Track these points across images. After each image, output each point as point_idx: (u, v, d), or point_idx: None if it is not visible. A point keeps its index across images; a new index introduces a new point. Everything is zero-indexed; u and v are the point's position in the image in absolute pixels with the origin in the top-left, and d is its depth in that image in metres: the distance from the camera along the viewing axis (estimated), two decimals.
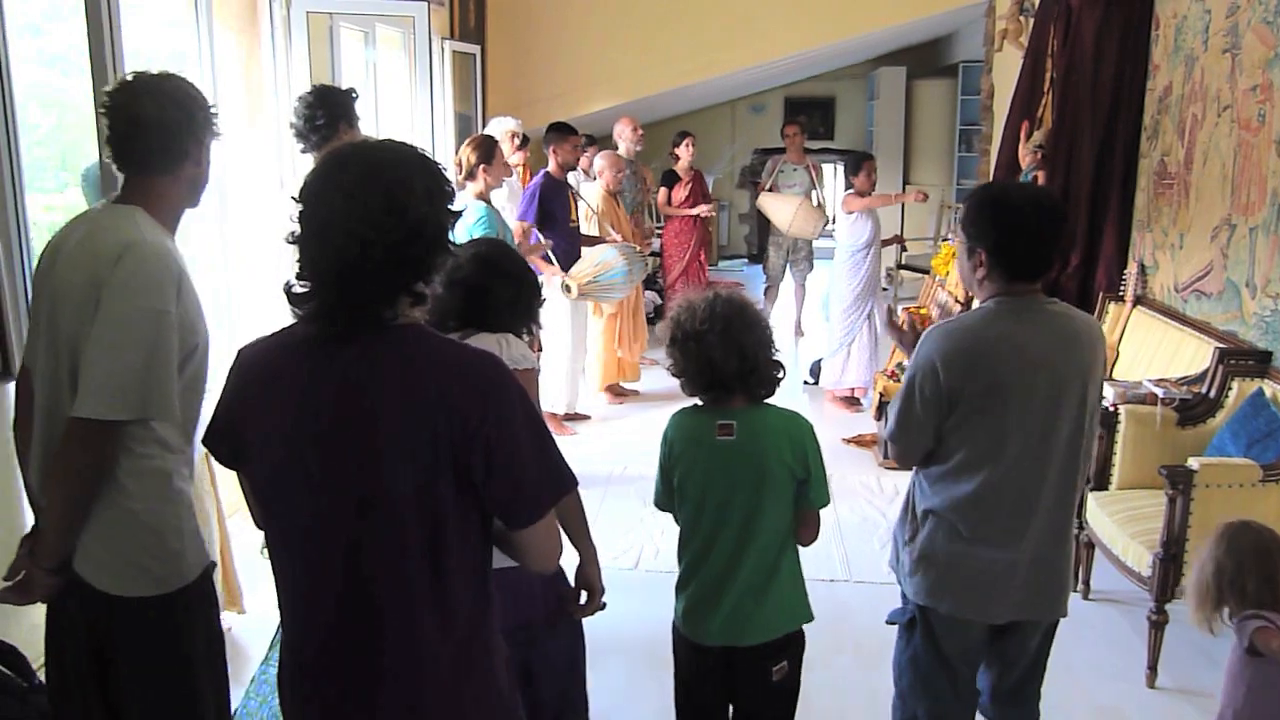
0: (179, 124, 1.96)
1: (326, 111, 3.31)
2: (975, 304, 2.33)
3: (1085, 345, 2.24)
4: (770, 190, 7.76)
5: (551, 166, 5.76)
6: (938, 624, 2.34)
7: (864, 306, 6.21)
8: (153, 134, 1.95)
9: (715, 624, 2.25)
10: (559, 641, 2.40)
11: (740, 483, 2.21)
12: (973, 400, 2.19)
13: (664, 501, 2.36)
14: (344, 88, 3.45)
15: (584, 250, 5.83)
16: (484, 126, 6.58)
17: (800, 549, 2.33)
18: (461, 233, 4.55)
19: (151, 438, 1.94)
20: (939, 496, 2.29)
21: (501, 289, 2.31)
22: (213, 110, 2.04)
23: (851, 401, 6.34)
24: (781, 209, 7.59)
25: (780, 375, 2.27)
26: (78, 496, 1.89)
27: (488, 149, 4.64)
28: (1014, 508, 2.23)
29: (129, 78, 1.98)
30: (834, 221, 6.68)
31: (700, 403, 2.29)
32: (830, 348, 6.39)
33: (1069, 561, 2.36)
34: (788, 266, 7.98)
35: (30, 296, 2.08)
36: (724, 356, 2.18)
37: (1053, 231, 2.22)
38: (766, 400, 2.27)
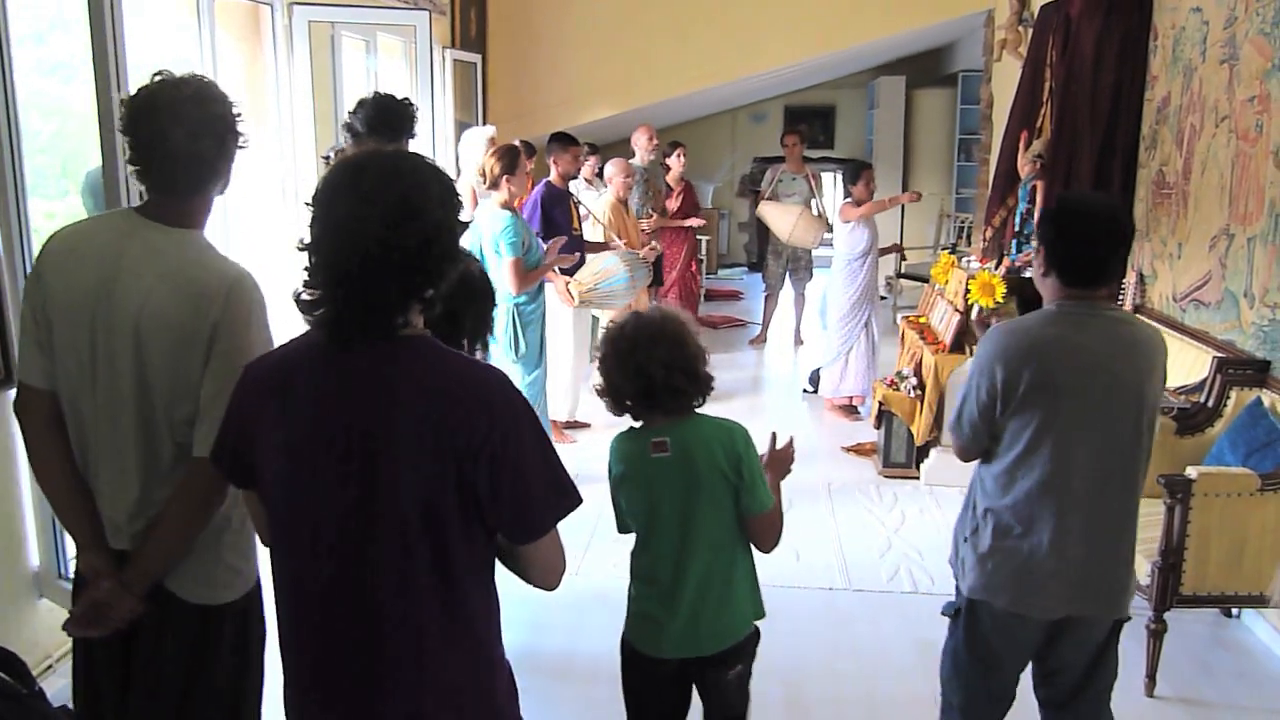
0: (212, 153, 1.91)
1: (386, 123, 3.38)
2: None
3: (1144, 352, 2.29)
4: (770, 199, 7.78)
5: (553, 176, 5.77)
6: (987, 619, 2.37)
7: (861, 315, 6.24)
8: (188, 167, 1.90)
9: (671, 636, 2.27)
10: None
11: (680, 496, 2.23)
12: (1028, 398, 2.24)
13: (621, 525, 2.39)
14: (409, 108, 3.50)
15: (586, 258, 5.85)
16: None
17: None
18: (489, 241, 4.56)
19: None
20: (995, 493, 2.34)
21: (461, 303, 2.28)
22: (238, 115, 1.97)
23: (850, 410, 6.35)
24: (781, 218, 7.61)
25: (701, 386, 2.25)
26: (200, 529, 1.92)
27: (511, 159, 4.64)
28: (1070, 505, 2.27)
29: (149, 95, 1.88)
30: (832, 230, 6.71)
31: (636, 425, 2.32)
32: (828, 356, 6.42)
33: (1128, 561, 2.38)
34: (787, 275, 7.99)
35: (44, 312, 1.93)
36: (622, 379, 2.23)
37: (1110, 243, 2.28)
38: (699, 410, 2.28)
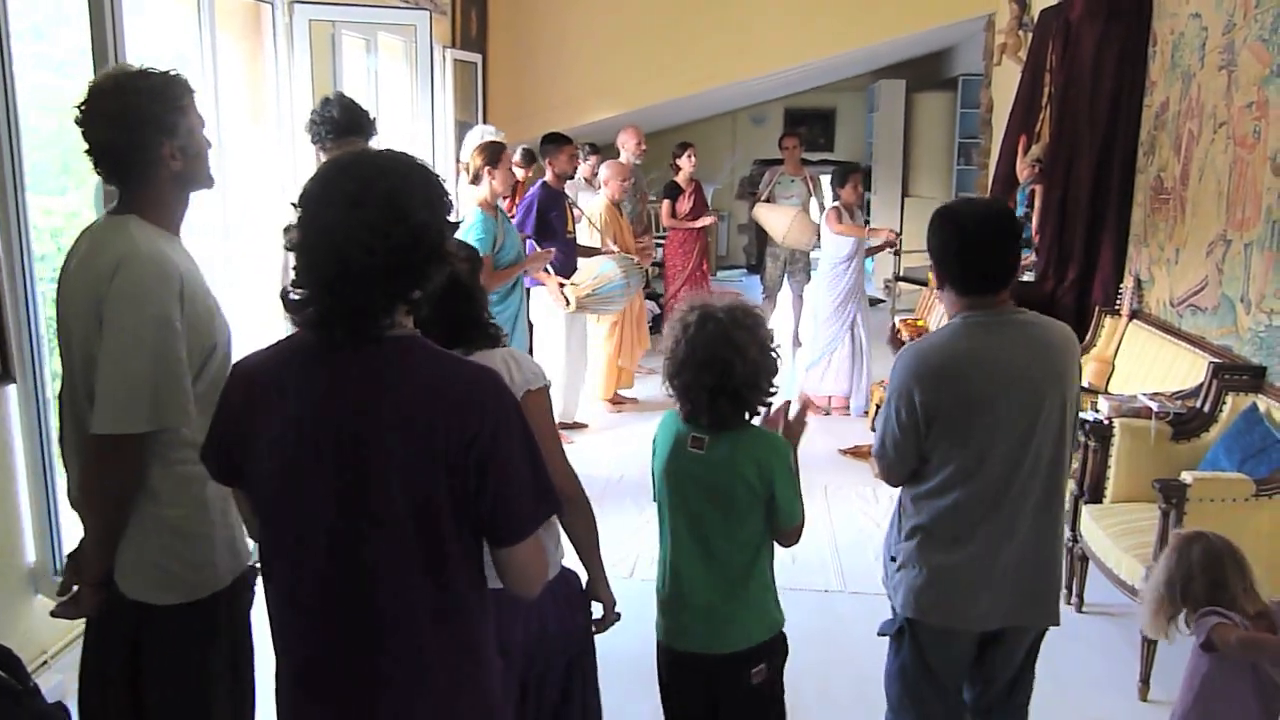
0: (130, 143, 1.93)
1: (346, 117, 3.40)
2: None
3: (1059, 352, 2.25)
4: (767, 201, 7.78)
5: (549, 177, 5.78)
6: (924, 636, 2.35)
7: (846, 318, 6.30)
8: (111, 158, 1.95)
9: (689, 630, 2.27)
10: (567, 653, 2.39)
11: (707, 497, 2.21)
12: (949, 416, 2.21)
13: (656, 494, 2.38)
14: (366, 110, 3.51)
15: (581, 261, 5.85)
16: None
17: (795, 557, 2.34)
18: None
19: (182, 442, 1.93)
20: (923, 511, 2.31)
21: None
22: (173, 96, 1.96)
23: (821, 410, 6.35)
24: (777, 220, 7.62)
25: (755, 405, 2.22)
26: (111, 511, 1.91)
27: (494, 153, 4.65)
28: (996, 517, 2.25)
29: (85, 94, 1.94)
30: (804, 230, 6.78)
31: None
32: (812, 357, 6.47)
33: (1057, 568, 2.37)
34: (785, 277, 8.00)
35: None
36: (674, 377, 2.20)
37: (1000, 244, 2.23)
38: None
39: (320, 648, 1.53)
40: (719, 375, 2.13)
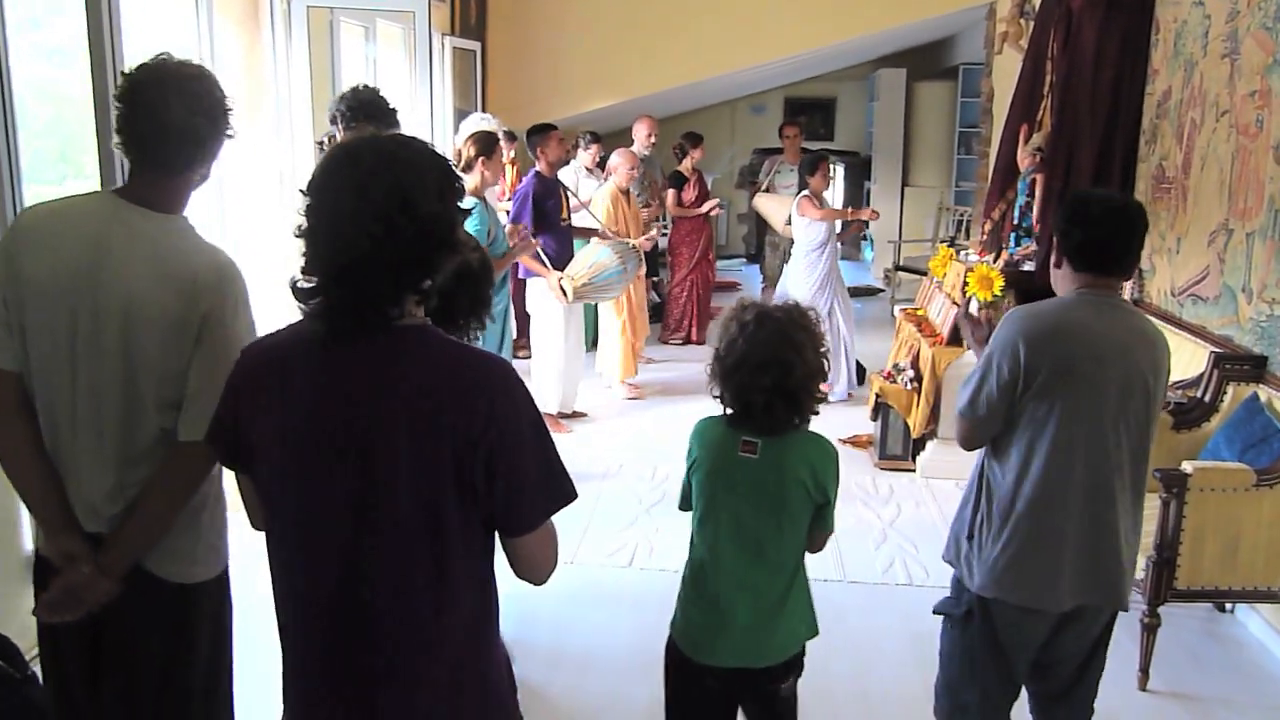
0: (206, 132, 1.91)
1: (367, 98, 3.43)
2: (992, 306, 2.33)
3: (1153, 345, 2.32)
4: (767, 191, 7.77)
5: (541, 166, 5.77)
6: (1001, 615, 2.35)
7: (822, 306, 6.32)
8: (182, 141, 1.89)
9: (726, 645, 2.19)
10: None
11: (757, 503, 2.14)
12: (1049, 381, 2.23)
13: (684, 505, 2.31)
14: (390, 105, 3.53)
15: (577, 251, 5.85)
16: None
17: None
18: None
19: None
20: (1010, 488, 2.32)
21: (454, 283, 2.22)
22: (230, 109, 1.98)
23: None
24: (778, 210, 7.61)
25: (806, 410, 2.16)
26: (179, 512, 1.94)
27: (488, 143, 4.64)
28: (1082, 497, 2.27)
29: (153, 68, 1.89)
30: (789, 222, 6.82)
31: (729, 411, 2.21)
32: None
33: (1134, 553, 2.38)
34: (785, 266, 7.98)
35: (15, 294, 1.90)
36: (724, 385, 2.14)
37: (1126, 237, 2.30)
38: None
39: (325, 636, 1.52)
40: (778, 376, 2.07)
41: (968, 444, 2.43)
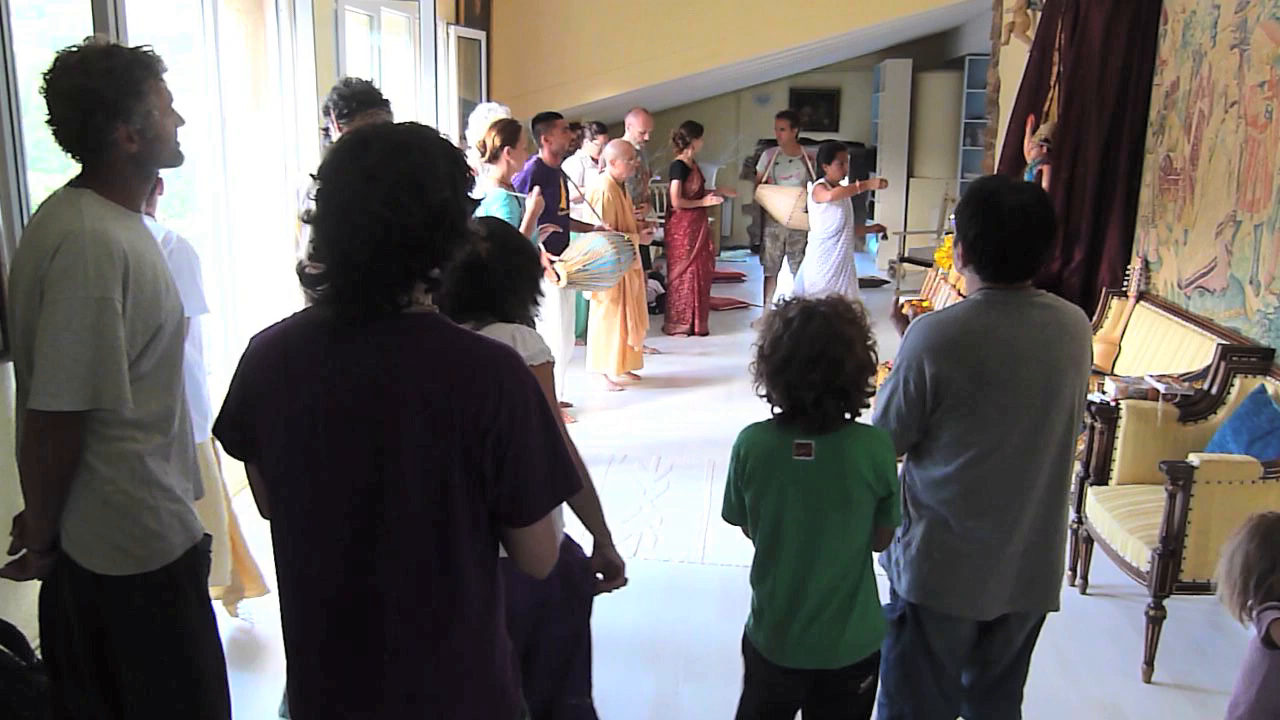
0: (81, 121, 1.91)
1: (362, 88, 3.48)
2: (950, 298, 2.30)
3: (1073, 338, 2.22)
4: (767, 183, 7.73)
5: (544, 154, 5.77)
6: (928, 621, 2.31)
7: (836, 291, 6.27)
8: (62, 132, 1.94)
9: (802, 647, 2.16)
10: (569, 622, 2.40)
11: (821, 504, 2.10)
12: (960, 391, 2.16)
13: (734, 517, 2.26)
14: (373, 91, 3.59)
15: (573, 238, 5.87)
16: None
17: None
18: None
19: (120, 420, 1.94)
20: (932, 495, 2.26)
21: (499, 265, 2.19)
22: (132, 80, 1.93)
23: None
24: (781, 201, 7.56)
25: (858, 403, 2.11)
26: (47, 483, 1.92)
27: (512, 132, 4.62)
28: (1004, 500, 2.21)
29: (50, 64, 1.94)
30: (804, 210, 6.82)
31: (772, 416, 2.17)
32: None
33: (1061, 554, 2.34)
34: (785, 258, 7.93)
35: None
36: (772, 386, 2.09)
37: (1037, 238, 2.16)
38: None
39: (329, 626, 1.52)
40: (828, 373, 2.03)
41: None
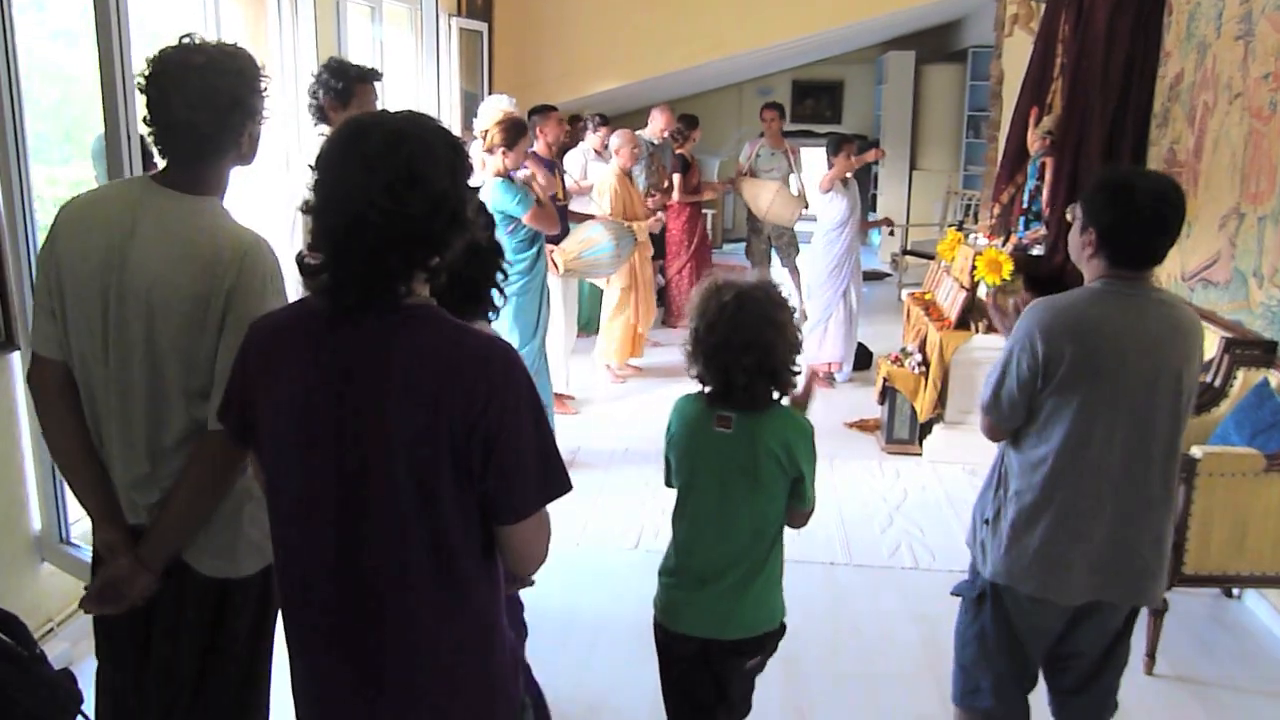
0: (210, 126, 1.86)
1: (341, 77, 3.38)
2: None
3: (1185, 335, 2.23)
4: (748, 175, 7.67)
5: (539, 146, 5.78)
6: (1013, 603, 2.33)
7: (839, 283, 6.31)
8: (186, 136, 1.86)
9: (695, 615, 2.26)
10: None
11: (732, 477, 2.20)
12: (1067, 376, 2.18)
13: (669, 479, 2.36)
14: (363, 65, 3.46)
15: (572, 227, 5.88)
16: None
17: (796, 531, 2.33)
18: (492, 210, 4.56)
19: None
20: (1024, 474, 2.29)
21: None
22: (260, 87, 1.93)
23: (826, 377, 6.38)
24: (758, 194, 7.49)
25: (782, 385, 2.21)
26: (213, 504, 1.90)
27: (515, 134, 4.62)
28: (1102, 490, 2.22)
29: (160, 59, 1.85)
30: (808, 207, 6.79)
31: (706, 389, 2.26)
32: (809, 324, 6.47)
33: (1160, 548, 2.31)
34: (773, 251, 7.86)
35: (56, 281, 1.90)
36: (705, 367, 2.18)
37: (1170, 225, 2.19)
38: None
39: (323, 614, 1.52)
40: (761, 355, 2.12)
41: (992, 435, 2.39)
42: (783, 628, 2.33)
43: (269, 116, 1.98)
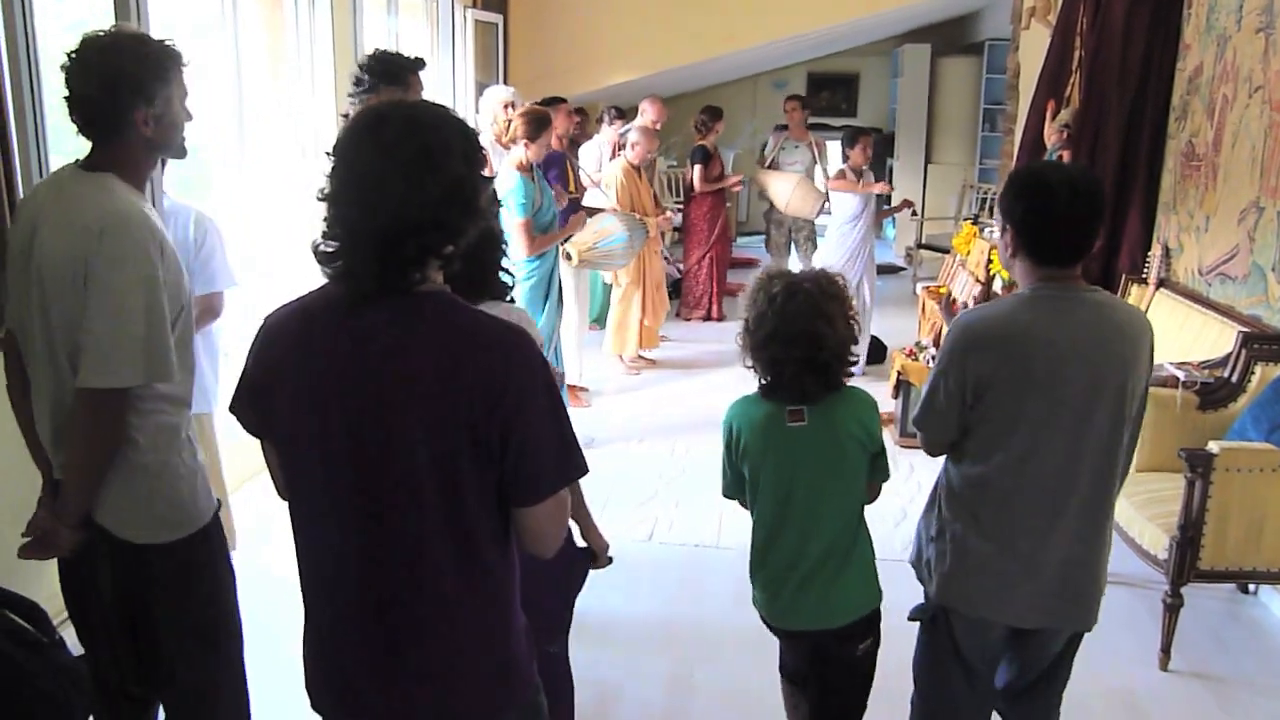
0: (106, 99, 1.95)
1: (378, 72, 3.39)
2: (991, 291, 2.29)
3: (1127, 338, 2.10)
4: (771, 167, 7.65)
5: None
6: (958, 624, 2.25)
7: (853, 277, 6.30)
8: (84, 109, 1.97)
9: (799, 609, 2.24)
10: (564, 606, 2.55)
11: (818, 467, 2.18)
12: (1000, 391, 2.08)
13: (733, 491, 2.33)
14: (409, 55, 3.50)
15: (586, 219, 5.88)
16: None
17: None
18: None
19: (157, 395, 2.02)
20: (964, 491, 2.19)
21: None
22: (160, 65, 2.00)
23: None
24: (779, 187, 7.47)
25: (840, 375, 2.20)
26: (95, 460, 1.98)
27: (539, 126, 4.61)
28: (1043, 506, 2.12)
29: (81, 41, 1.98)
30: (804, 197, 6.79)
31: (758, 389, 2.24)
32: None
33: (1102, 566, 2.21)
34: (792, 244, 7.85)
35: (5, 258, 2.10)
36: (756, 358, 2.18)
37: (1085, 215, 2.08)
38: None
39: (344, 600, 1.53)
40: (810, 348, 2.10)
41: (927, 450, 2.31)
42: (879, 611, 2.33)
43: (172, 103, 2.03)
